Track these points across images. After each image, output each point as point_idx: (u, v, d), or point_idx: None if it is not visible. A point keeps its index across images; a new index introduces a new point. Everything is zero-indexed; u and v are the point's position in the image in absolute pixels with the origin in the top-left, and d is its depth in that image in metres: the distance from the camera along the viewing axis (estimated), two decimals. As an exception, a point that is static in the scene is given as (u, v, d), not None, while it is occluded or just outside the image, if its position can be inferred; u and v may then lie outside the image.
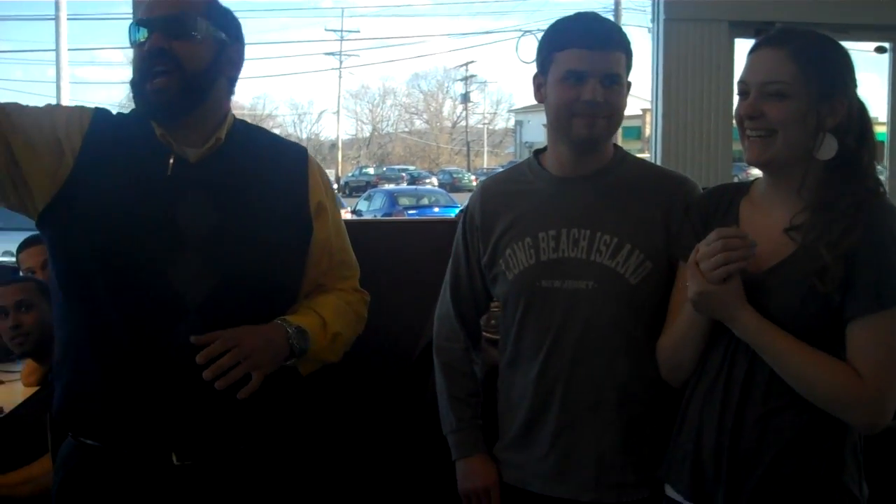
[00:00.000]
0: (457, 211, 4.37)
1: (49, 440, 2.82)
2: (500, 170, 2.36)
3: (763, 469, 1.74)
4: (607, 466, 2.01)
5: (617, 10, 23.37)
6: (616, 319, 1.99)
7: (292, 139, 2.33)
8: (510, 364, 2.12)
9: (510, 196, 2.13)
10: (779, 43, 1.77)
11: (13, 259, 4.84)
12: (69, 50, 15.66)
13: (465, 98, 50.21)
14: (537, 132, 46.89)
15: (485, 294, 2.21)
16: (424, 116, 53.26)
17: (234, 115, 1.98)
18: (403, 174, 36.83)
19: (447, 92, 52.88)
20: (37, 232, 3.93)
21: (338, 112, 46.58)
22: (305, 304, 1.98)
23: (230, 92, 1.96)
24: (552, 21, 2.08)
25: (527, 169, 2.15)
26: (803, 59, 1.74)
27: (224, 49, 1.88)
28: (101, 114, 1.91)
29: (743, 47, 1.89)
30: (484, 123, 51.38)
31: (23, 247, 3.75)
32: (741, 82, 1.80)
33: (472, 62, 49.56)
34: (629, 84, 2.04)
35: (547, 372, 2.03)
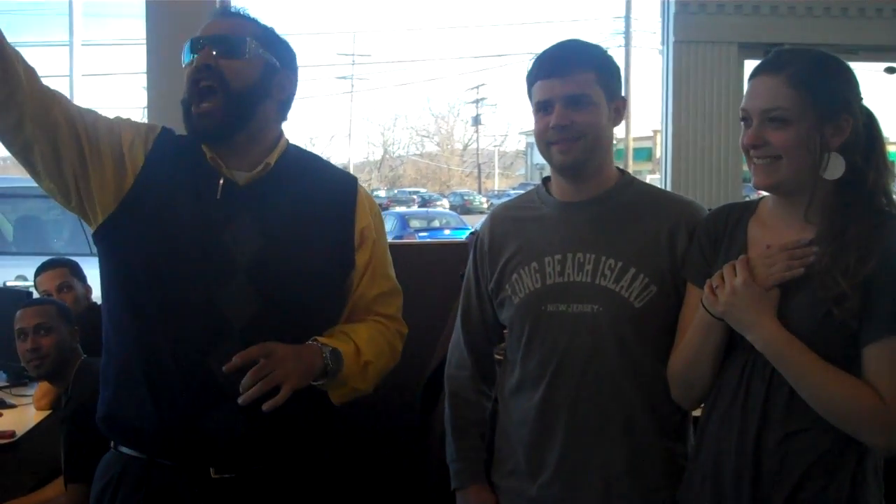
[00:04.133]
0: (467, 233, 4.37)
1: (62, 455, 2.84)
2: (511, 192, 2.35)
3: (786, 492, 1.73)
4: (614, 491, 1.99)
5: (628, 32, 23.45)
6: (621, 342, 1.97)
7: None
8: (515, 390, 2.10)
9: (518, 221, 2.14)
10: (776, 68, 1.77)
11: (26, 283, 4.87)
12: (83, 45, 15.71)
13: (476, 121, 50.34)
14: (548, 154, 46.73)
15: (494, 321, 2.19)
16: (436, 139, 53.35)
17: (287, 141, 2.01)
18: (415, 196, 36.86)
19: (458, 114, 53.03)
20: (53, 256, 3.92)
21: (349, 135, 46.75)
22: (340, 328, 1.99)
23: (281, 118, 2.00)
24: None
25: (535, 195, 2.16)
26: (802, 83, 1.73)
27: (273, 73, 1.93)
28: (165, 134, 1.96)
29: (752, 69, 1.89)
30: (495, 146, 51.46)
31: (40, 270, 3.80)
32: (742, 109, 1.80)
33: (482, 85, 49.74)
34: (623, 100, 2.06)
35: (552, 396, 2.01)
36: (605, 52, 2.09)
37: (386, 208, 28.87)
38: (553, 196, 2.10)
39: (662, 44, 4.77)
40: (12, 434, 3.21)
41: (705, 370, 1.85)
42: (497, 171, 50.57)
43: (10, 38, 1.73)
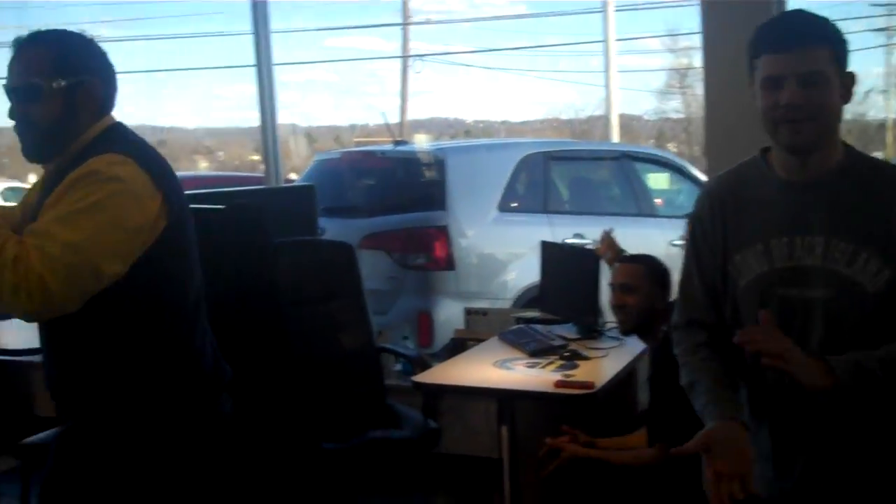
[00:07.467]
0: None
1: (647, 414, 2.96)
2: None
3: None
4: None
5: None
6: (857, 330, 1.92)
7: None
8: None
9: (737, 200, 2.07)
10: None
11: (583, 241, 5.19)
12: (616, 40, 16.50)
13: None
14: None
15: (714, 298, 2.10)
16: None
17: (105, 129, 2.17)
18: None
19: None
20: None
21: (885, 90, 43.12)
22: None
23: (98, 116, 2.17)
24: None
25: (755, 170, 2.07)
26: None
27: (76, 90, 2.11)
28: None
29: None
30: None
31: (622, 259, 3.57)
32: None
33: None
34: (852, 77, 1.94)
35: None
36: (835, 24, 1.96)
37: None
38: (775, 172, 2.02)
39: None
40: (591, 385, 3.39)
41: None
42: None
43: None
